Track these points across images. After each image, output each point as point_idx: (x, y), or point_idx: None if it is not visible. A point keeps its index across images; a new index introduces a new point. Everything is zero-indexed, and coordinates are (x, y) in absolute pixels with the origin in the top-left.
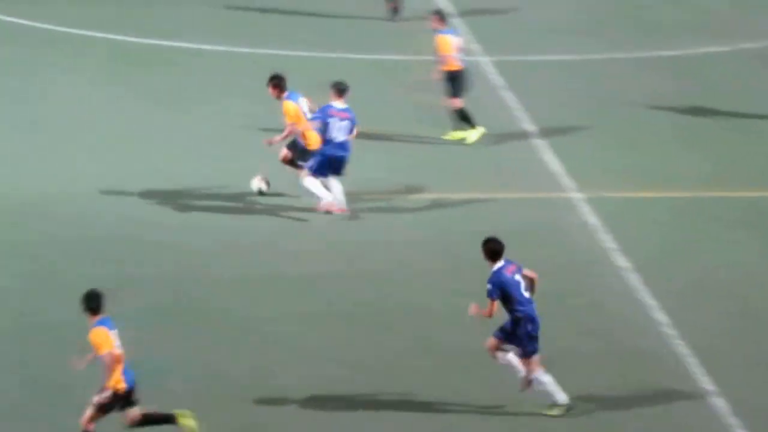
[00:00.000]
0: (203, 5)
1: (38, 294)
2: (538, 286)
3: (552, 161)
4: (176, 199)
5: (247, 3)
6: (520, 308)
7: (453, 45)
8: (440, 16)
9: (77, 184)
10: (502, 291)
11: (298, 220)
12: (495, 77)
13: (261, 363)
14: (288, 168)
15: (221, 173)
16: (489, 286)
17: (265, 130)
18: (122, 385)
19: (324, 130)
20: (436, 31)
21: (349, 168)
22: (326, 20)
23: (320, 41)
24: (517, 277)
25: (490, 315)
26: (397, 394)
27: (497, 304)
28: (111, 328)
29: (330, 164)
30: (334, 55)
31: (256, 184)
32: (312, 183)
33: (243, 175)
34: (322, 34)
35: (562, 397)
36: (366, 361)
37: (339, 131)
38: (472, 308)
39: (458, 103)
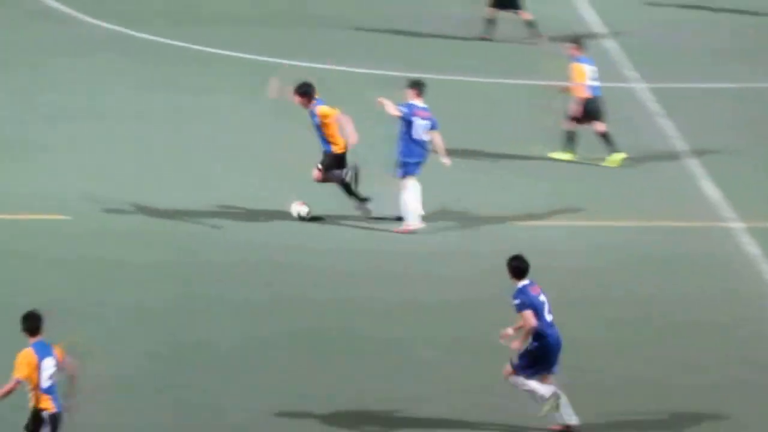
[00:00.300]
0: (355, 28)
1: (190, 317)
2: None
3: (710, 189)
4: (324, 223)
5: (389, 25)
6: (544, 330)
7: (587, 74)
8: (578, 43)
9: (227, 205)
10: (530, 306)
11: (448, 245)
12: (652, 104)
13: (407, 390)
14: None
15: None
16: (517, 301)
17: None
18: (52, 409)
19: (407, 128)
20: (572, 58)
21: (503, 194)
22: (465, 44)
23: (475, 66)
24: (542, 297)
25: (533, 326)
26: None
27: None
28: (43, 354)
29: (413, 162)
30: (478, 79)
31: (296, 209)
32: (410, 197)
33: (392, 199)
34: (473, 58)
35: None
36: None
37: (422, 130)
38: (507, 332)
39: (601, 127)
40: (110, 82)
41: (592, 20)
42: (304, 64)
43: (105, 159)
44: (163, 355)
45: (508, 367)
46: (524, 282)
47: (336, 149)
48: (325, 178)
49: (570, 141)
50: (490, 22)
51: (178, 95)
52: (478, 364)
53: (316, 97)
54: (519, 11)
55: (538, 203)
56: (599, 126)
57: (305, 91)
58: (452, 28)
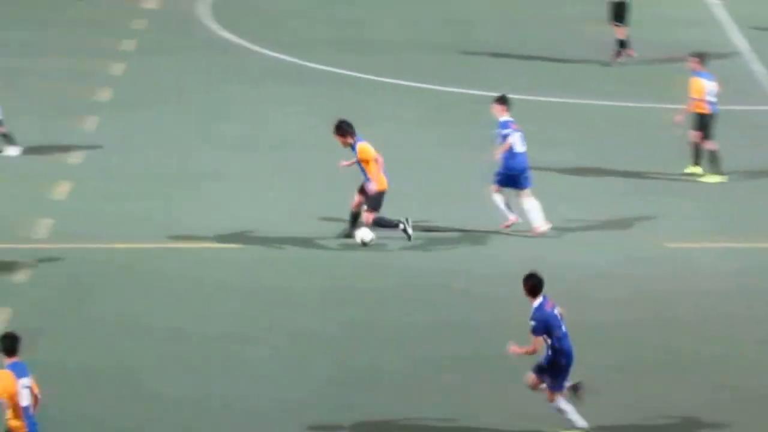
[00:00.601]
0: (513, 56)
1: (357, 341)
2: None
3: None
4: (483, 247)
5: (541, 51)
6: (560, 342)
7: (706, 89)
8: (700, 57)
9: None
10: (545, 327)
11: (602, 268)
12: None
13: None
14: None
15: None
16: (533, 323)
17: (576, 174)
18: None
19: (510, 144)
20: (692, 72)
21: (652, 215)
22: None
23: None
24: (557, 311)
25: (535, 351)
26: None
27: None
28: (20, 374)
29: (514, 178)
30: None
31: (360, 235)
32: (499, 199)
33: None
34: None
35: (582, 423)
36: (666, 411)
37: (519, 143)
38: (512, 348)
39: (712, 145)
40: (281, 111)
41: (742, 45)
42: (467, 91)
43: (273, 187)
44: (333, 378)
45: (531, 376)
46: (539, 300)
47: (377, 187)
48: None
49: (713, 160)
50: (623, 42)
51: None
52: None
53: (354, 135)
54: (620, 25)
55: (688, 224)
56: (710, 144)
57: (343, 131)
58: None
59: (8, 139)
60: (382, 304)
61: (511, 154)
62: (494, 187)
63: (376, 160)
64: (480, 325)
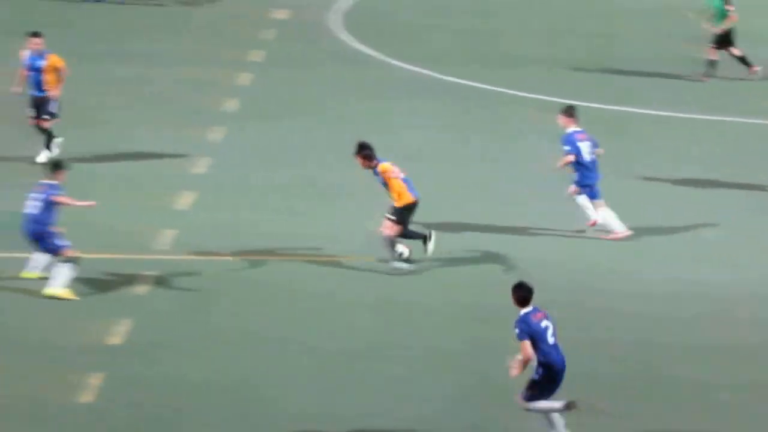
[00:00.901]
0: (666, 76)
1: (490, 358)
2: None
3: None
4: (621, 266)
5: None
6: (545, 355)
7: None
8: None
9: (528, 247)
10: (530, 335)
11: (737, 289)
12: None
13: None
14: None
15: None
16: (516, 330)
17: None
18: None
19: (577, 155)
20: None
21: None
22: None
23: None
24: (545, 323)
25: (529, 357)
26: None
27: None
28: None
29: (587, 185)
30: None
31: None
32: (584, 201)
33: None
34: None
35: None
36: None
37: (588, 153)
38: (512, 365)
39: None
40: (413, 123)
41: None
42: (603, 106)
43: None
44: (467, 396)
45: (520, 399)
46: (527, 309)
47: (400, 203)
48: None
49: None
50: (712, 63)
51: (483, 137)
52: None
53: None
54: (731, 48)
55: None
56: None
57: (365, 154)
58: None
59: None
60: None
61: (578, 164)
62: (573, 188)
63: (398, 178)
64: (624, 344)
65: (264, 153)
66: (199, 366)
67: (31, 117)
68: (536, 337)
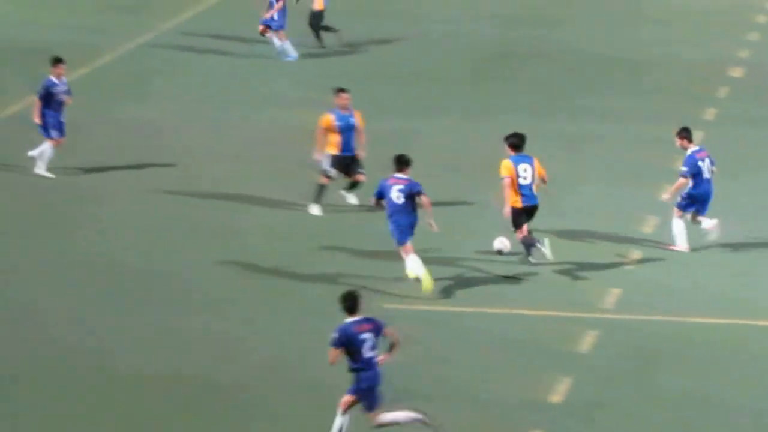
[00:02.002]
0: None
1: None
2: (397, 349)
3: None
4: None
5: None
6: (359, 366)
7: None
8: None
9: None
10: (346, 344)
11: None
12: None
13: None
14: None
15: None
16: (334, 335)
17: None
18: None
19: (696, 173)
20: None
21: None
22: None
23: None
24: (365, 335)
25: (332, 362)
26: None
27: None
28: None
29: (699, 201)
30: None
31: (497, 244)
32: (679, 226)
33: None
34: None
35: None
36: None
37: (707, 171)
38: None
39: None
40: None
41: None
42: None
43: None
44: None
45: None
46: (353, 318)
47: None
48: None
49: None
50: None
51: None
52: None
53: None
54: None
55: None
56: None
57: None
58: None
59: None
60: None
61: (696, 181)
62: (677, 211)
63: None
64: None
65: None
66: (643, 428)
67: (328, 177)
68: (353, 346)
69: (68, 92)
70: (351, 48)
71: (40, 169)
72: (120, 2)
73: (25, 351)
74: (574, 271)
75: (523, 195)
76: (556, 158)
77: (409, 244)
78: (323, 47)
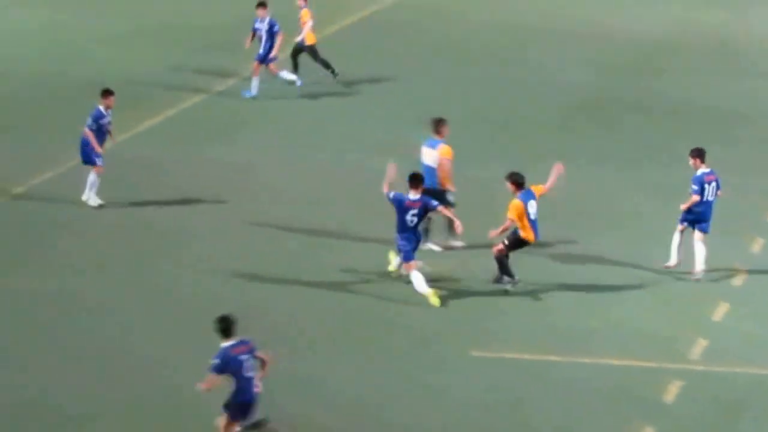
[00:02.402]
0: None
1: None
2: (268, 367)
3: None
4: None
5: None
6: (240, 386)
7: None
8: None
9: None
10: (226, 368)
11: None
12: None
13: None
14: None
15: None
16: (215, 361)
17: None
18: None
19: (701, 193)
20: None
21: None
22: None
23: None
24: (243, 357)
25: (208, 387)
26: None
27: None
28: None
29: (696, 218)
30: None
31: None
32: (676, 239)
33: None
34: None
35: None
36: None
37: (710, 193)
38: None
39: None
40: None
41: None
42: None
43: None
44: None
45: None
46: (230, 342)
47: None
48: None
49: None
50: None
51: None
52: None
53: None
54: None
55: None
56: None
57: (513, 181)
58: None
59: None
60: None
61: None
62: (680, 225)
63: (512, 220)
64: None
65: None
66: None
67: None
68: (232, 368)
69: (110, 123)
70: (444, 92)
71: (93, 200)
72: (211, 43)
73: (110, 390)
74: (662, 320)
75: (534, 230)
76: (651, 208)
77: (413, 262)
78: (337, 74)
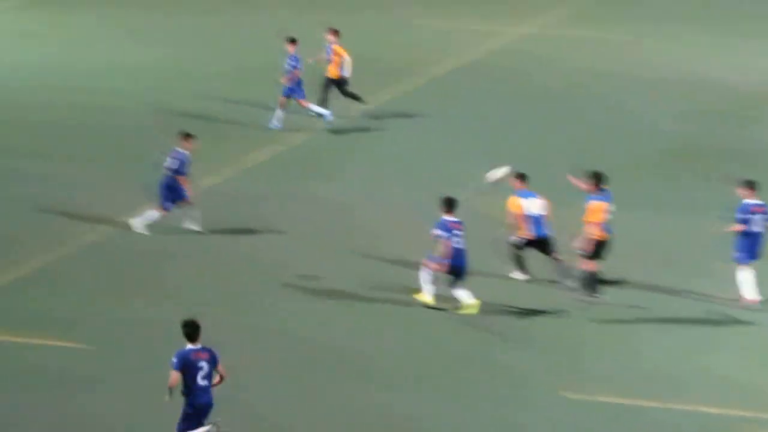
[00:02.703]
0: None
1: None
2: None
3: None
4: None
5: None
6: (191, 392)
7: None
8: None
9: None
10: (183, 369)
11: None
12: None
13: None
14: None
15: None
16: (173, 359)
17: None
18: None
19: (746, 222)
20: None
21: None
22: None
23: None
24: (202, 363)
25: (172, 385)
26: None
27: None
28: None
29: (746, 247)
30: None
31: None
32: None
33: None
34: None
35: None
36: None
37: (758, 224)
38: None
39: None
40: None
41: None
42: None
43: None
44: None
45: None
46: (192, 346)
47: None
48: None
49: None
50: None
51: None
52: None
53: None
54: None
55: None
56: None
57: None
58: None
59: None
60: None
61: (744, 233)
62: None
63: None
64: None
65: None
66: None
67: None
68: (188, 371)
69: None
70: (540, 138)
71: (141, 228)
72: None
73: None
74: (756, 366)
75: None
76: None
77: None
78: (366, 102)
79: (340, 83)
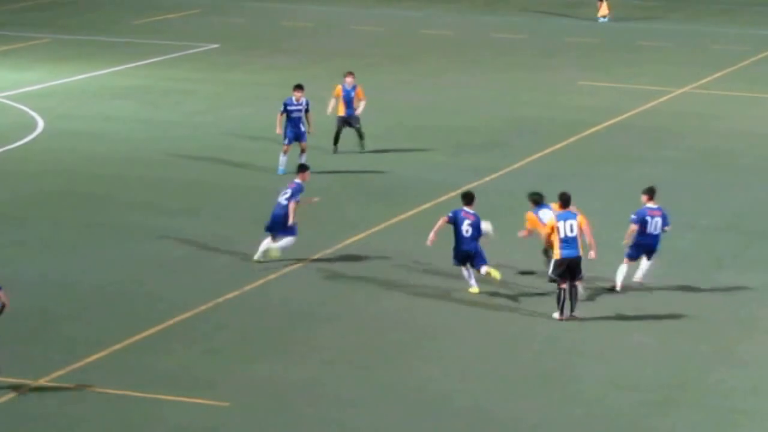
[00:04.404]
0: None
1: None
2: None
3: None
4: None
5: None
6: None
7: None
8: None
9: None
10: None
11: None
12: None
13: None
14: None
15: None
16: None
17: None
18: None
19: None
20: None
21: None
22: None
23: None
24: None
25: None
26: None
27: None
28: None
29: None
30: None
31: None
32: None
33: None
34: None
35: None
36: None
37: (653, 227)
38: None
39: None
40: None
41: None
42: None
43: None
44: None
45: None
46: None
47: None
48: None
49: None
50: None
51: None
52: None
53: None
54: None
55: None
56: None
57: (534, 200)
58: None
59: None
60: None
61: (640, 233)
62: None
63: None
64: None
65: None
66: None
67: None
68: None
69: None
70: (695, 196)
71: (260, 254)
72: (466, 142)
73: None
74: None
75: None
76: None
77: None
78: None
79: (348, 121)
